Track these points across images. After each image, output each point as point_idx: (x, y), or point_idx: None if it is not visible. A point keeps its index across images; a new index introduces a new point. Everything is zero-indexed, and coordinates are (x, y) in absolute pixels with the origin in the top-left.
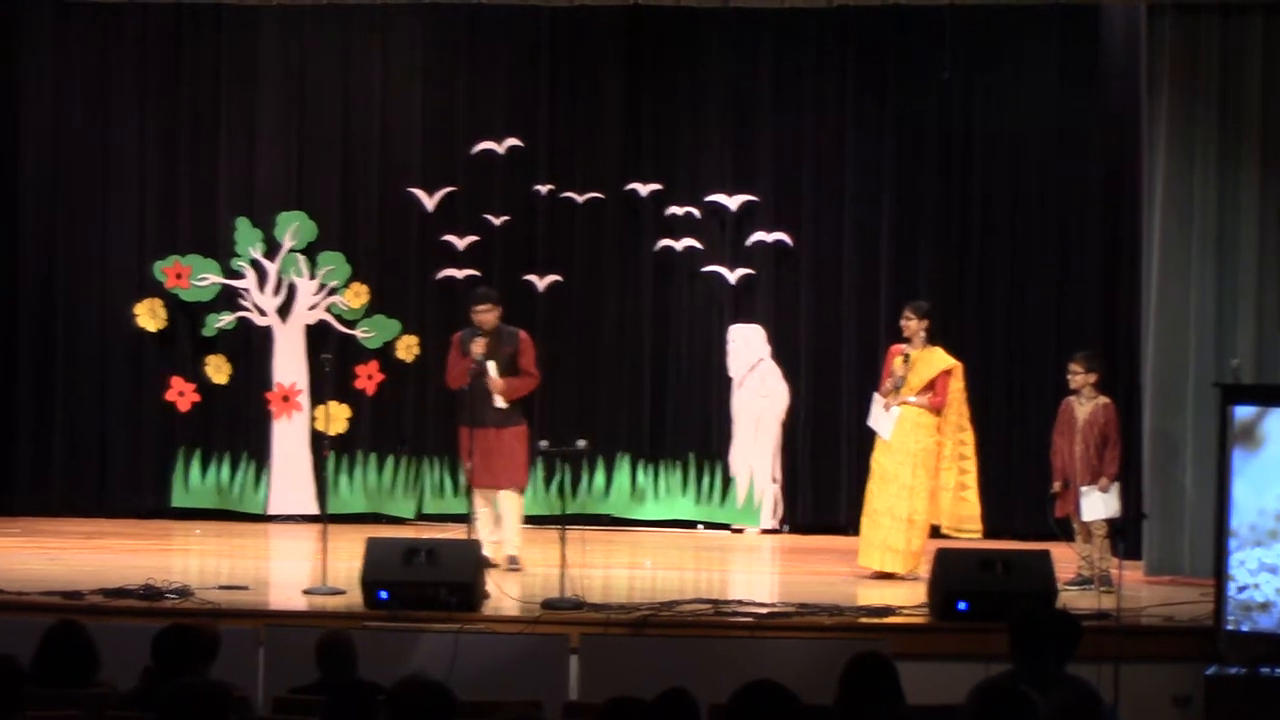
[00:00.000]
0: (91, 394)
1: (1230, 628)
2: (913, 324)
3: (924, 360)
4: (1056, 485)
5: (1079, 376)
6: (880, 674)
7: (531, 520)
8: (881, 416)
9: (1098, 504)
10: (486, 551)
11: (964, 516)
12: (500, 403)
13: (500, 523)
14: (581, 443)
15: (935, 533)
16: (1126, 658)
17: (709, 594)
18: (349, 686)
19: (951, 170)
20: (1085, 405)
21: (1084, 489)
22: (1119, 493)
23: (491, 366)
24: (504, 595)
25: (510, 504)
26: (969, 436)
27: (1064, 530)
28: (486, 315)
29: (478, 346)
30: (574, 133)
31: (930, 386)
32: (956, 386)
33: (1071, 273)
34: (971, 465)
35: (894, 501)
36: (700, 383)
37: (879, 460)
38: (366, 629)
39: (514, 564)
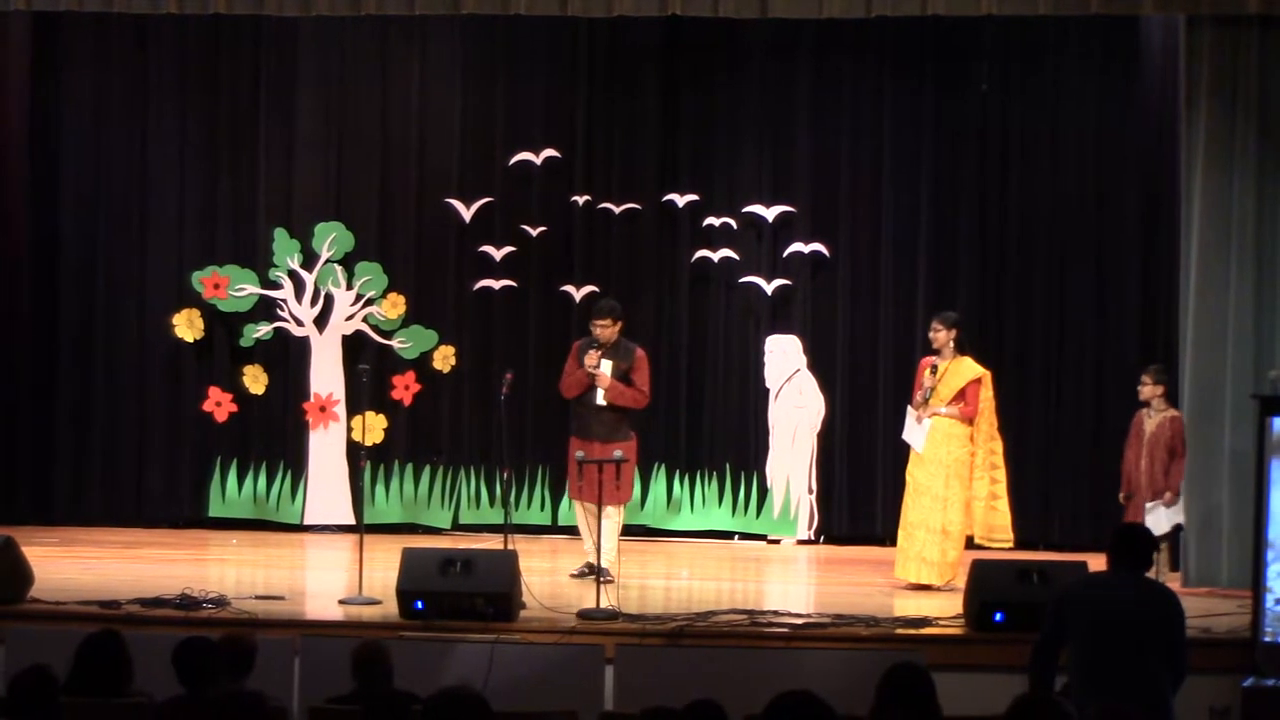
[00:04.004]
0: (129, 404)
1: (1268, 640)
2: (941, 335)
3: (953, 370)
4: (1121, 496)
5: (1146, 388)
6: (917, 685)
7: (567, 530)
8: (914, 429)
9: (1163, 519)
10: (592, 560)
11: (995, 526)
12: (601, 398)
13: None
14: (618, 453)
15: (970, 543)
16: None
17: (745, 604)
18: (385, 697)
19: (989, 181)
20: (1153, 418)
21: (1149, 505)
22: (1184, 506)
23: (606, 365)
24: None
25: (609, 518)
26: (999, 445)
27: None
28: (604, 331)
29: (591, 358)
30: (611, 143)
31: (961, 396)
32: (986, 395)
33: (1109, 284)
34: (1002, 474)
35: (928, 514)
36: (737, 393)
37: (913, 473)
38: (402, 639)
39: (604, 575)
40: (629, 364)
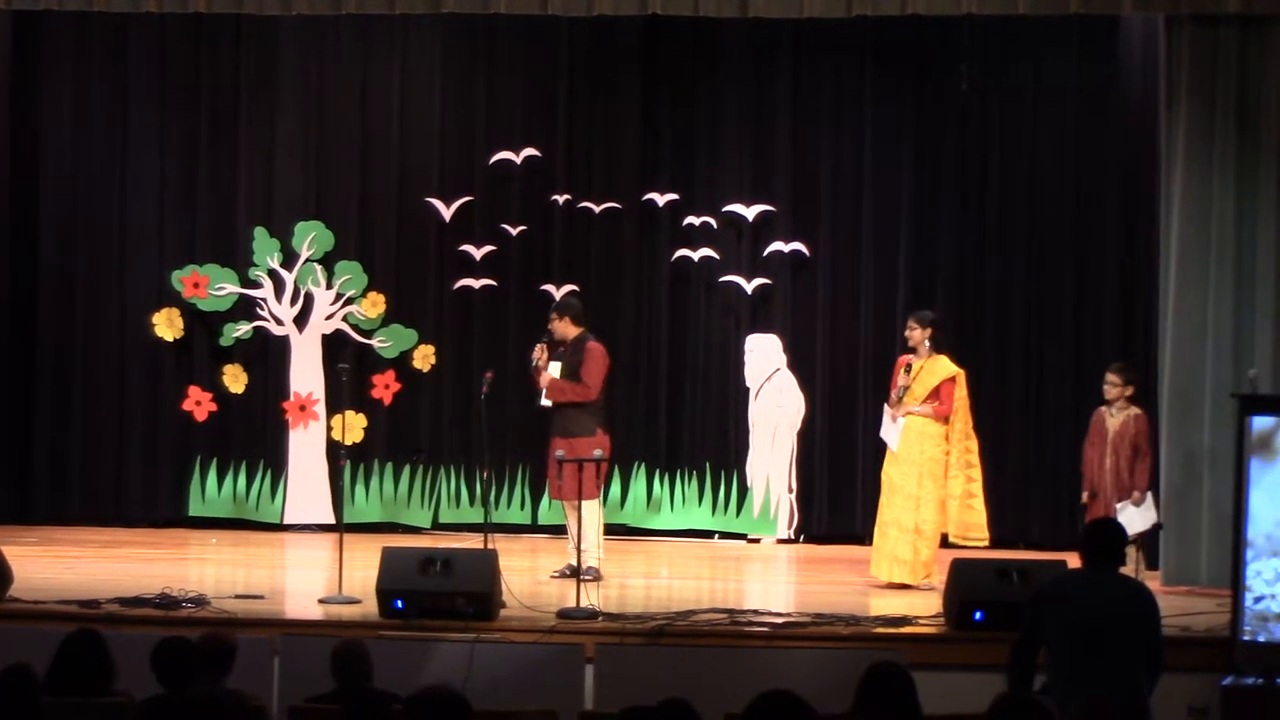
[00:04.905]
0: (109, 403)
1: (1247, 638)
2: (917, 333)
3: (928, 369)
4: (1085, 496)
5: (1115, 388)
6: (897, 684)
7: (547, 530)
8: (890, 428)
9: (1134, 518)
10: (574, 562)
11: (970, 524)
12: (544, 400)
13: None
14: (598, 452)
15: (946, 542)
16: None
17: (725, 604)
18: (364, 696)
19: (969, 180)
20: (1116, 416)
21: (1118, 505)
22: (1154, 502)
23: (554, 367)
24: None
25: (585, 514)
26: (974, 444)
27: None
28: (553, 324)
29: (536, 350)
30: (591, 143)
31: (935, 395)
32: (961, 394)
33: (1089, 283)
34: (977, 473)
35: (901, 513)
36: (717, 392)
37: (888, 472)
38: (382, 638)
39: (590, 574)
40: (579, 358)
